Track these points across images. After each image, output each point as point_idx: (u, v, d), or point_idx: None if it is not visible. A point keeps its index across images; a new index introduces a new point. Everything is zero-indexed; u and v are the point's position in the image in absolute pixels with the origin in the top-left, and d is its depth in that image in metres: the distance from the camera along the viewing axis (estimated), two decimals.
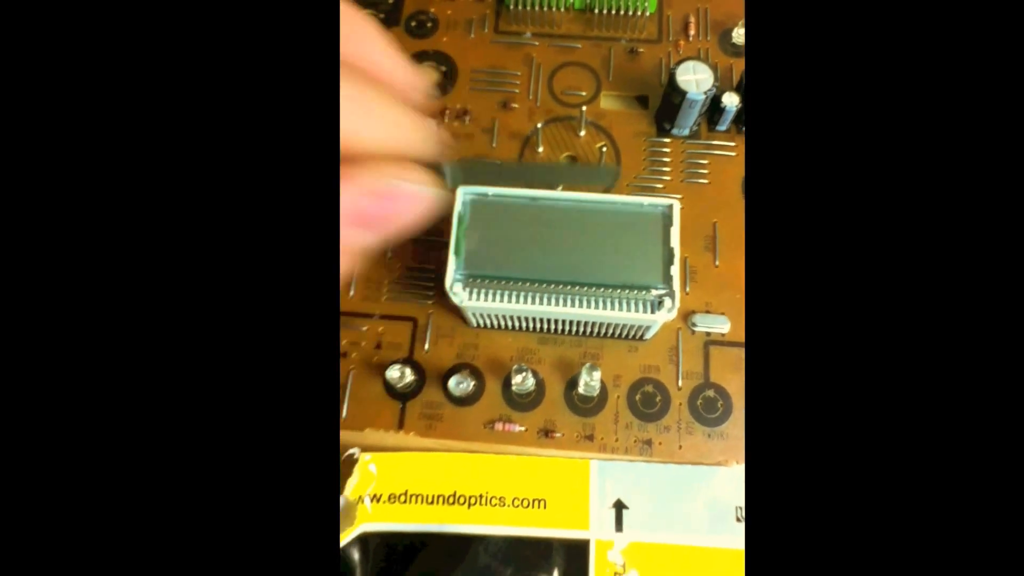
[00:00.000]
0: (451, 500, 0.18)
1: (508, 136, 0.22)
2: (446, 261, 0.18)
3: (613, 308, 0.17)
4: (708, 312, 0.20)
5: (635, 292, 0.17)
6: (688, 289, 0.20)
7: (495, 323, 0.20)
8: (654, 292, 0.17)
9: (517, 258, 0.18)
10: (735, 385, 0.19)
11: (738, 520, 0.18)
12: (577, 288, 0.18)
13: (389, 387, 0.20)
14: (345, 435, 0.19)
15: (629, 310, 0.17)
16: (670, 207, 0.18)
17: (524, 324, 0.20)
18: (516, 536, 0.18)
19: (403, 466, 0.19)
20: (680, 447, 0.19)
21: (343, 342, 0.20)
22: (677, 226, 0.18)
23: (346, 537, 0.18)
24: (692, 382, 0.20)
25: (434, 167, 0.12)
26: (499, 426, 0.19)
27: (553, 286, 0.18)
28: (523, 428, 0.19)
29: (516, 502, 0.18)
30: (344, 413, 0.20)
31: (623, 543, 0.18)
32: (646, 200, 0.18)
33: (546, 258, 0.18)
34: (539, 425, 0.19)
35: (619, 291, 0.17)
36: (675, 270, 0.17)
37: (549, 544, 0.18)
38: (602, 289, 0.18)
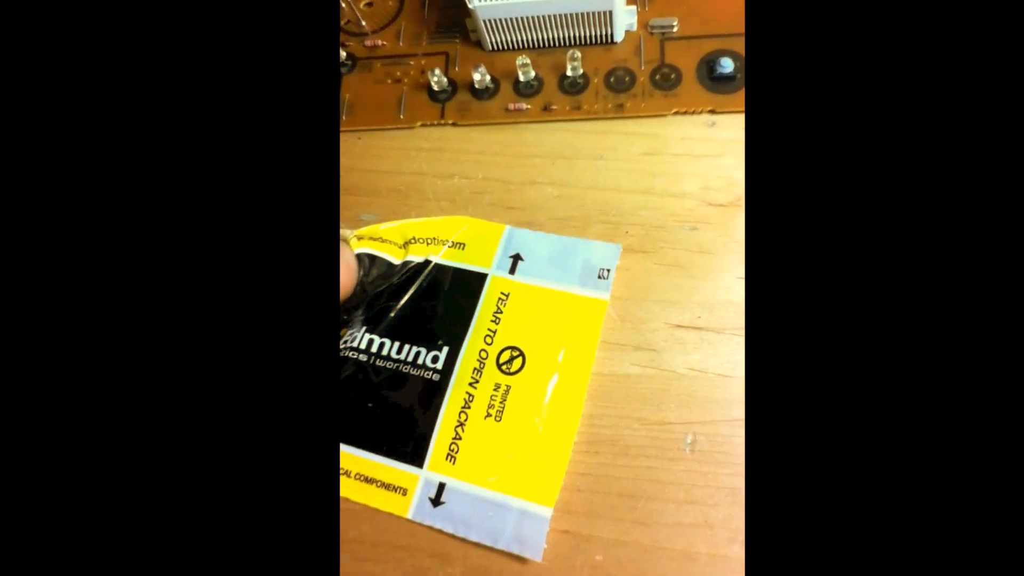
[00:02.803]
0: (411, 241, 0.25)
1: None
2: None
3: None
4: (661, 16, 0.27)
5: None
6: (647, 7, 0.27)
7: (504, 42, 0.27)
8: None
9: None
10: (683, 62, 0.26)
11: (600, 278, 0.24)
12: None
13: (431, 92, 0.27)
14: (400, 132, 0.27)
15: None
16: None
17: (526, 41, 0.27)
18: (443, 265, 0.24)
19: (377, 231, 0.26)
20: (644, 105, 0.26)
21: (397, 73, 0.28)
22: None
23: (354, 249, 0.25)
24: (652, 65, 0.26)
25: None
26: (511, 106, 0.27)
27: None
28: (529, 107, 0.26)
29: (448, 243, 0.25)
30: (401, 116, 0.27)
31: (512, 281, 0.24)
32: None
33: None
34: (541, 105, 0.26)
35: None
36: None
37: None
38: None
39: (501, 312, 0.23)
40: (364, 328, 0.23)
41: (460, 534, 0.21)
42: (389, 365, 0.23)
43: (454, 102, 0.27)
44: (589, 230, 0.25)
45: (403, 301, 0.24)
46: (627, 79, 0.26)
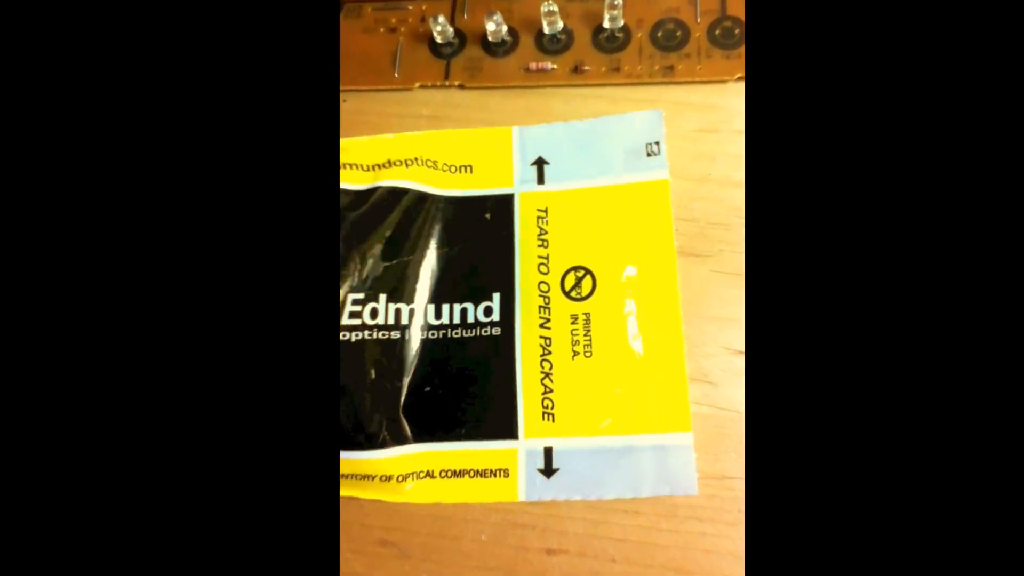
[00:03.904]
0: (387, 164, 0.20)
1: None
2: None
3: None
4: None
5: None
6: None
7: None
8: None
9: None
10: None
11: (648, 155, 0.20)
12: None
13: (434, 46, 0.22)
14: (395, 95, 0.22)
15: None
16: None
17: None
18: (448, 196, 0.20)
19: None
20: (699, 68, 0.21)
21: (392, 20, 0.23)
22: None
23: None
24: (710, 17, 0.21)
25: None
26: (533, 66, 0.21)
27: None
28: (555, 67, 0.21)
29: (445, 167, 0.20)
30: (396, 75, 0.22)
31: (544, 192, 0.20)
32: None
33: None
34: (570, 64, 0.21)
35: None
36: None
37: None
38: None
39: (545, 232, 0.19)
40: (385, 298, 0.19)
41: (592, 497, 0.18)
42: (433, 335, 0.19)
43: (462, 58, 0.22)
44: None
45: (419, 253, 0.19)
46: (679, 34, 0.21)
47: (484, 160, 0.20)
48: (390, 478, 0.18)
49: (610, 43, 0.21)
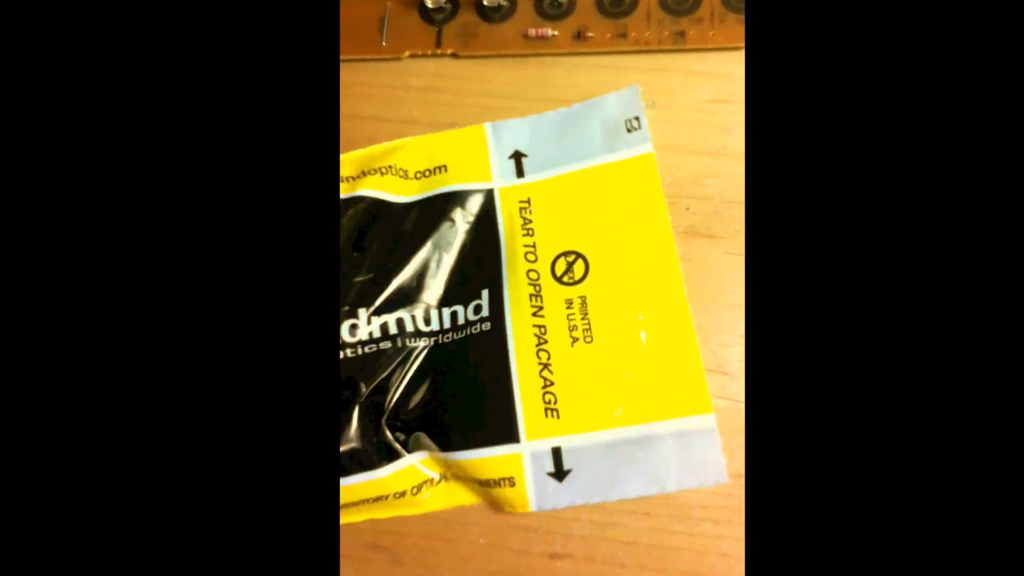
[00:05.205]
0: (361, 175, 0.19)
1: None
2: None
3: None
4: None
5: None
6: None
7: None
8: None
9: None
10: None
11: (629, 131, 0.18)
12: None
13: (424, 11, 0.20)
14: (382, 65, 0.21)
15: None
16: None
17: None
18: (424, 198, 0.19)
19: None
20: (713, 34, 0.19)
21: None
22: None
23: None
24: None
25: None
26: (532, 32, 0.20)
27: None
28: (556, 33, 0.20)
29: (419, 175, 0.19)
30: (383, 43, 0.21)
31: (525, 184, 0.18)
32: None
33: None
34: (572, 30, 0.20)
35: None
36: None
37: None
38: None
39: (530, 223, 0.18)
40: (371, 313, 0.17)
41: (614, 498, 0.16)
42: (425, 343, 0.17)
43: (455, 25, 0.20)
44: None
45: (400, 261, 0.18)
46: None
47: (459, 158, 0.19)
48: (403, 493, 0.16)
49: (616, 7, 0.20)
